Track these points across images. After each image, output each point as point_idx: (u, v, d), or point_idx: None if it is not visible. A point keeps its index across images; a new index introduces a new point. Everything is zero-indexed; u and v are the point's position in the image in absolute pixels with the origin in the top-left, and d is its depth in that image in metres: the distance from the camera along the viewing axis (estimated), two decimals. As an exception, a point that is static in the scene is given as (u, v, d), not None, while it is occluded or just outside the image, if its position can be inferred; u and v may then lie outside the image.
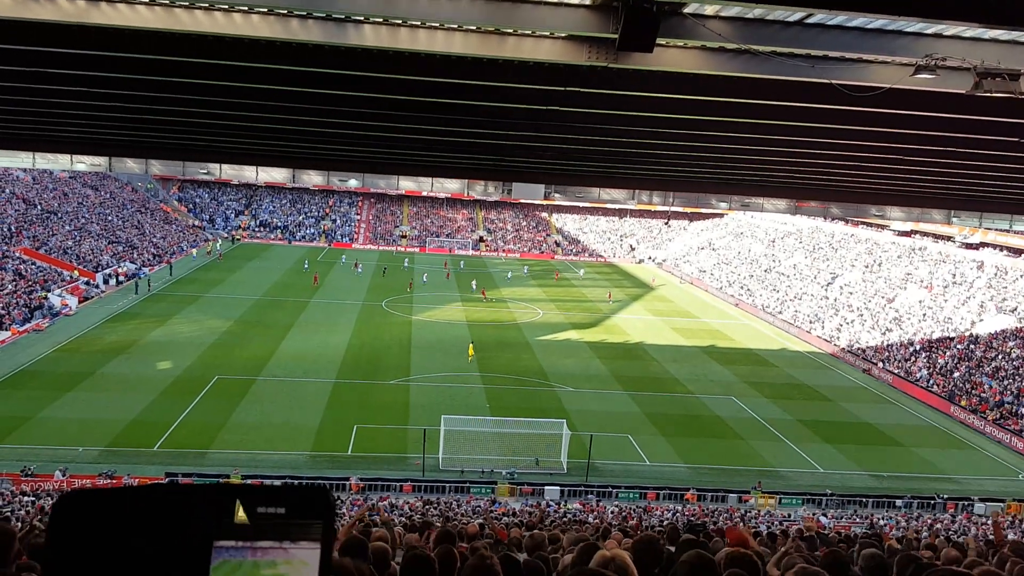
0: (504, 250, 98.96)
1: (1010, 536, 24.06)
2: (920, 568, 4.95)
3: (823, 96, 10.66)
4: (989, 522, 27.92)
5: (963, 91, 9.87)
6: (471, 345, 49.63)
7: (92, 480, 28.94)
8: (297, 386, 40.93)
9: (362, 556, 5.04)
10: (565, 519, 23.83)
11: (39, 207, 70.38)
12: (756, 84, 10.97)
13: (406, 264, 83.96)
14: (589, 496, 31.76)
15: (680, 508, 30.47)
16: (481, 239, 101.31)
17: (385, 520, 16.54)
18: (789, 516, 30.17)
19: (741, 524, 20.47)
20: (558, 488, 32.13)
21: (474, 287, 71.75)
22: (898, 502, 32.77)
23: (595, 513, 27.52)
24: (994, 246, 63.62)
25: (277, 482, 29.83)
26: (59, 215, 71.26)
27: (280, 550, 0.98)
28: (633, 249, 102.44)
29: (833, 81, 9.93)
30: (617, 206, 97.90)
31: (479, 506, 28.28)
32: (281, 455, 32.67)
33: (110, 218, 78.49)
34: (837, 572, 5.43)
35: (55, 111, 17.80)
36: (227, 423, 35.42)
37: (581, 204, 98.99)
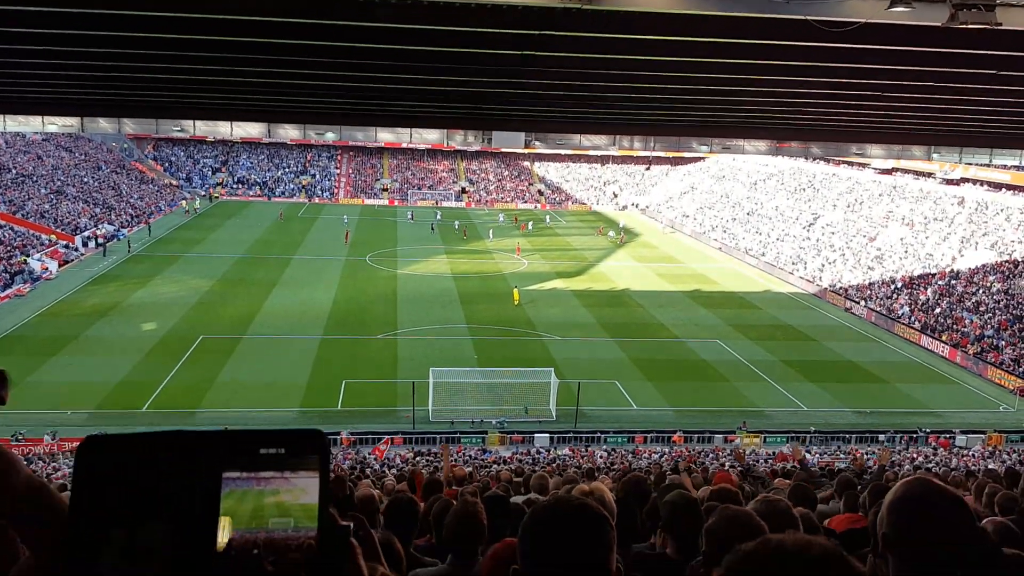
0: (489, 201, 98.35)
1: (990, 465, 24.66)
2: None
3: (799, 33, 10.55)
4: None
5: (939, 24, 9.79)
6: (516, 289, 50.79)
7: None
8: (284, 343, 40.91)
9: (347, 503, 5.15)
10: (554, 464, 24.14)
11: (13, 171, 69.24)
12: (730, 22, 10.83)
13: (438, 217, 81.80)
14: (578, 442, 32.18)
15: (667, 450, 30.92)
16: (463, 190, 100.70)
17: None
18: (773, 454, 30.69)
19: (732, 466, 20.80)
20: (547, 435, 32.51)
21: (490, 236, 74.54)
22: (881, 436, 33.35)
23: (585, 457, 27.91)
24: (975, 181, 63.76)
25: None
26: (35, 179, 70.19)
27: (282, 479, 1.11)
28: (616, 196, 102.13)
29: (808, 17, 9.82)
30: (599, 152, 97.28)
31: (470, 455, 28.62)
32: (270, 412, 32.76)
33: (86, 180, 77.38)
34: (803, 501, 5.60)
35: (21, 71, 17.41)
36: (215, 382, 35.45)
37: (562, 152, 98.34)
